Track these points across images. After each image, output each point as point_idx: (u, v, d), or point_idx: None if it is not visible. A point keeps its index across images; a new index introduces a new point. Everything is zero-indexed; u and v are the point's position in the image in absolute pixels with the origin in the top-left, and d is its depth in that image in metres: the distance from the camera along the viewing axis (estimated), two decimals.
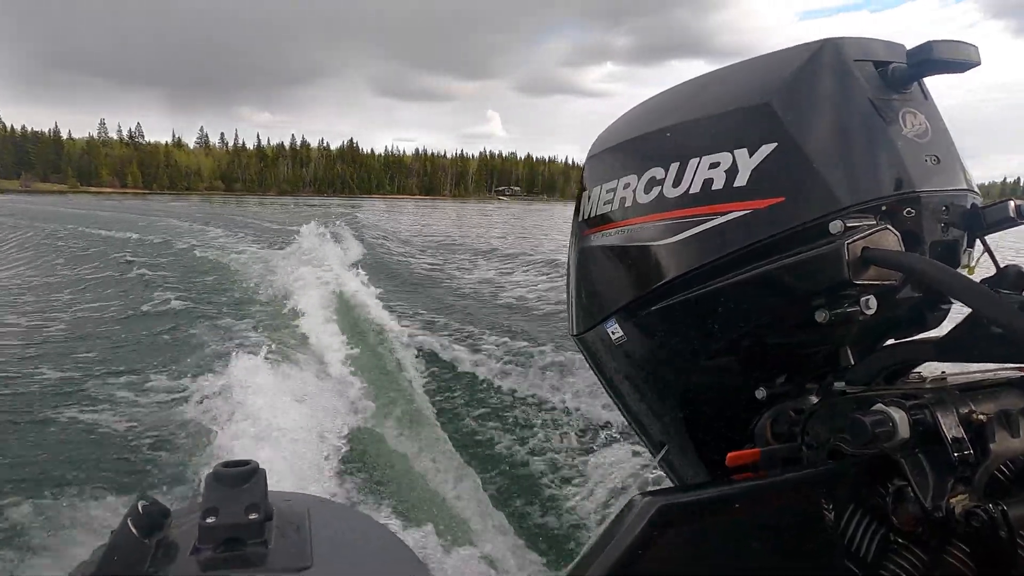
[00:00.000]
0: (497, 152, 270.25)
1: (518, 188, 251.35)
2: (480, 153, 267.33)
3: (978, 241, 1.02)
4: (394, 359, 8.38)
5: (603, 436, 5.67)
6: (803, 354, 1.04)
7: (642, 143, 1.11)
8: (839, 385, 0.96)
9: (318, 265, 13.25)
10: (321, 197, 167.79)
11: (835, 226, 0.89)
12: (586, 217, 1.20)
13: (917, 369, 1.01)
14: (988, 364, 0.96)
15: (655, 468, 1.26)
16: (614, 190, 1.13)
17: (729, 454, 0.94)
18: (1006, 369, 0.95)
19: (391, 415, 6.74)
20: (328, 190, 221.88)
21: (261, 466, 0.94)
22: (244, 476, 0.90)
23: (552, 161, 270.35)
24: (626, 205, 1.10)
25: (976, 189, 1.03)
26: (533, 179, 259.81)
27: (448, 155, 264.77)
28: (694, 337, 1.05)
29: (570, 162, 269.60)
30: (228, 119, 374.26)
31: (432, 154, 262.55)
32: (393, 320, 9.70)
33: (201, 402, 6.05)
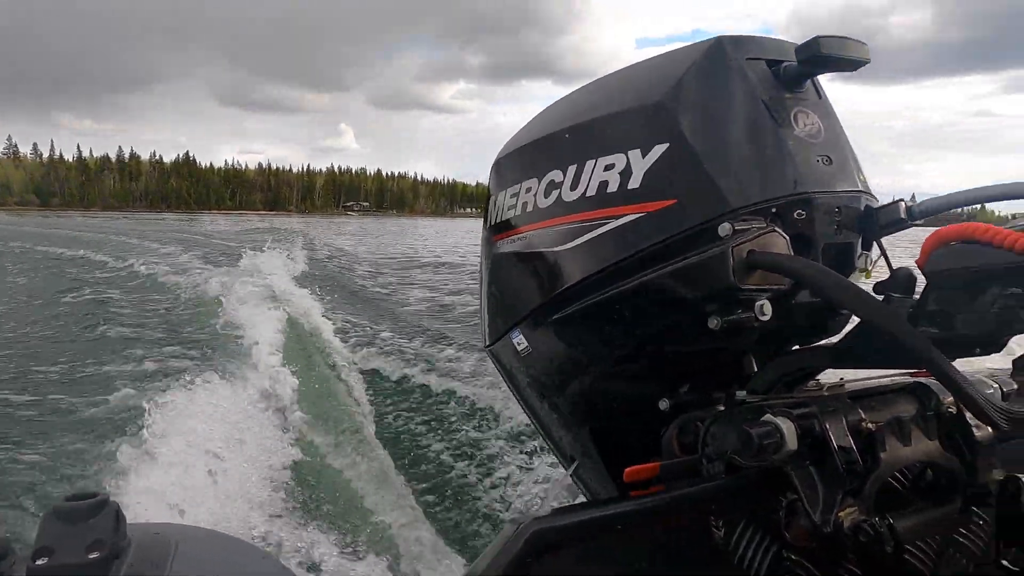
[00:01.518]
0: (347, 167, 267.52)
1: (367, 203, 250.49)
2: (328, 168, 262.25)
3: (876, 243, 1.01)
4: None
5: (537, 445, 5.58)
6: (705, 362, 1.01)
7: (543, 146, 1.09)
8: (740, 394, 0.93)
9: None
10: (154, 213, 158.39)
11: (724, 229, 0.87)
12: (492, 224, 1.17)
13: (820, 376, 1.00)
14: (887, 370, 0.95)
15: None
16: (517, 195, 1.10)
17: (627, 469, 0.90)
18: (902, 375, 0.95)
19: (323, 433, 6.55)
20: (162, 205, 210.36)
21: (112, 499, 0.82)
22: (88, 511, 0.78)
23: (402, 177, 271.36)
24: (528, 210, 1.07)
25: (871, 191, 1.01)
26: (382, 194, 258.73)
27: (295, 169, 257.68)
28: (594, 346, 1.04)
29: (419, 178, 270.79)
30: (43, 127, 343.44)
31: (277, 168, 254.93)
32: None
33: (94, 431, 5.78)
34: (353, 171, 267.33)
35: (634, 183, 0.93)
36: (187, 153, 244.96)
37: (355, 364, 8.58)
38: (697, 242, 0.88)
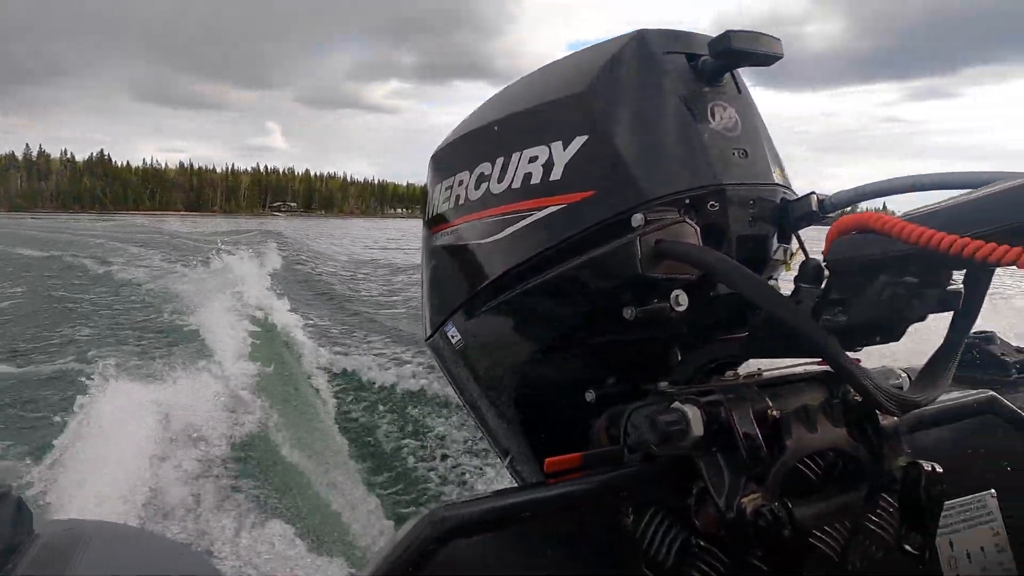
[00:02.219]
0: (275, 167, 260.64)
1: (295, 204, 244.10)
2: (254, 168, 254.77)
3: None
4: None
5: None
6: (630, 354, 1.01)
7: (474, 139, 1.09)
8: (663, 385, 0.92)
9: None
10: (67, 213, 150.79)
11: (636, 220, 0.87)
12: (429, 217, 1.18)
13: (746, 366, 1.01)
14: (807, 359, 0.96)
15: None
16: (451, 188, 1.11)
17: (547, 460, 0.88)
18: (816, 364, 0.95)
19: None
20: (75, 205, 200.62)
21: (15, 491, 0.86)
22: None
23: (332, 177, 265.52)
24: (460, 203, 1.08)
25: (788, 184, 1.02)
26: (311, 195, 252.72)
27: (219, 169, 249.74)
28: (520, 337, 1.05)
29: (349, 178, 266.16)
30: None
31: (200, 168, 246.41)
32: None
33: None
34: (281, 171, 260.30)
35: (556, 175, 0.95)
36: (102, 151, 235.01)
37: (318, 360, 8.54)
38: (613, 233, 0.89)
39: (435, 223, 1.15)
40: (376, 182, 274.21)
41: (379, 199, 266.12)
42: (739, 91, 1.00)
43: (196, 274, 15.56)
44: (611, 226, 0.90)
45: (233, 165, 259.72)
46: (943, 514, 0.95)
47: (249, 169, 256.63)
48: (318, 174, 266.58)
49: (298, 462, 5.60)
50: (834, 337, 0.81)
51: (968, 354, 1.48)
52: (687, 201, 0.91)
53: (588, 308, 0.96)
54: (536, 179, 0.97)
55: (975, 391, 1.16)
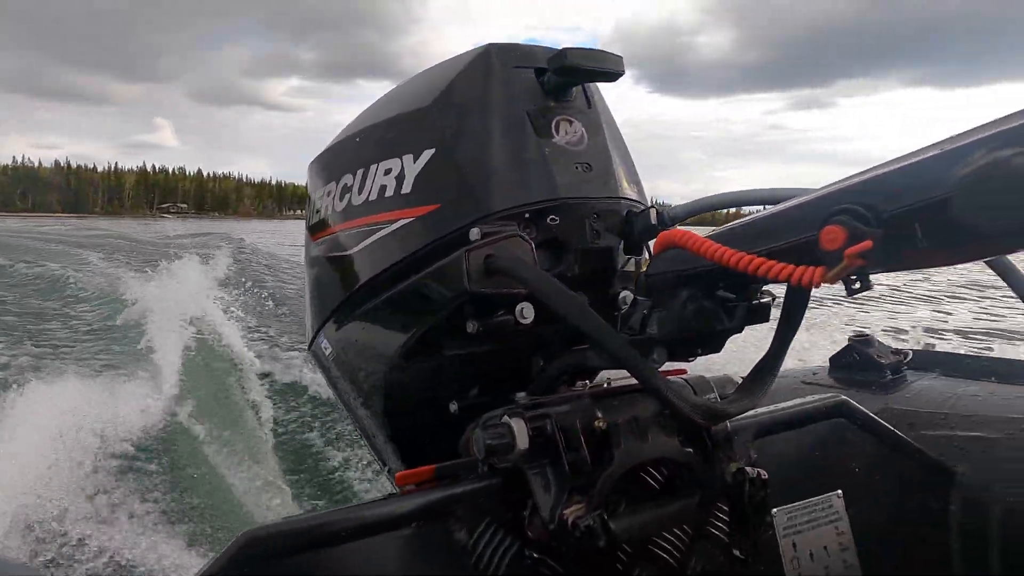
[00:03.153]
0: (163, 166, 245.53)
1: (185, 205, 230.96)
2: (140, 167, 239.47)
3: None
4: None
5: None
6: (489, 365, 1.00)
7: (340, 149, 1.10)
8: (520, 396, 0.91)
9: None
10: None
11: (474, 233, 0.88)
12: (308, 225, 1.18)
13: (615, 374, 1.00)
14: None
15: None
16: (322, 198, 1.11)
17: (398, 473, 0.89)
18: (667, 372, 0.95)
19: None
20: None
21: None
22: None
23: (226, 177, 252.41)
24: (328, 213, 1.08)
25: (635, 197, 1.02)
26: (203, 196, 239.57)
27: (101, 167, 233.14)
28: (380, 350, 1.04)
29: (245, 178, 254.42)
30: None
31: (79, 166, 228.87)
32: None
33: None
34: (171, 171, 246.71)
35: (407, 188, 0.96)
36: None
37: (246, 364, 8.10)
38: (453, 247, 0.89)
39: (312, 231, 1.15)
40: (274, 183, 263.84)
41: (277, 200, 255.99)
42: (589, 106, 1.01)
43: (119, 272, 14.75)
44: (454, 240, 0.91)
45: (116, 164, 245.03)
46: (788, 515, 1.03)
47: (135, 168, 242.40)
48: (211, 174, 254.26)
49: (219, 467, 5.28)
50: (635, 351, 0.82)
51: (849, 356, 1.53)
52: (526, 215, 0.92)
53: (434, 321, 0.94)
54: (390, 192, 0.97)
55: (827, 395, 1.20)
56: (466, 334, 0.91)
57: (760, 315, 0.88)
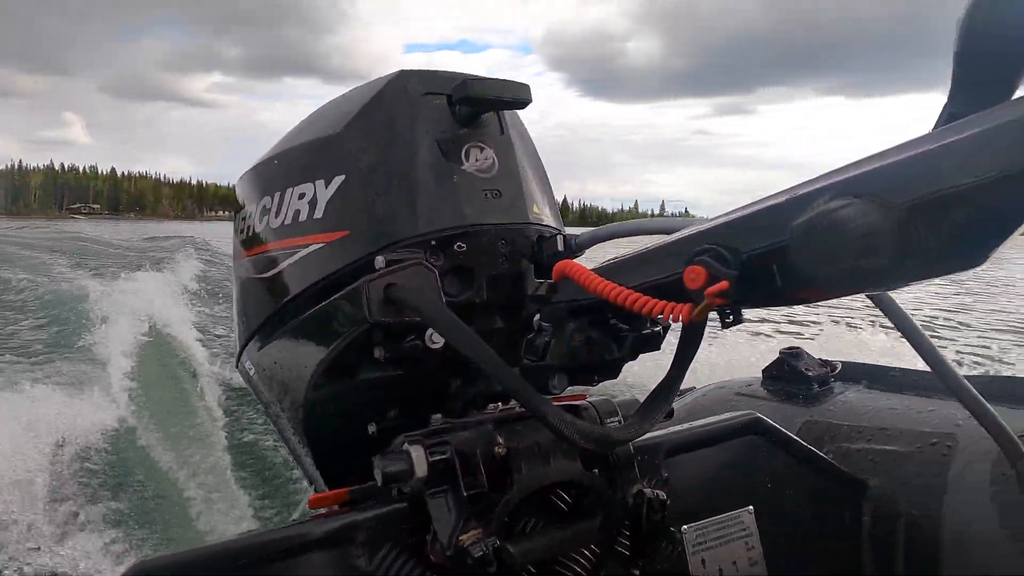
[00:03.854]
0: (72, 165, 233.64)
1: (98, 206, 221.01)
2: (47, 165, 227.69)
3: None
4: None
5: None
6: (406, 387, 0.99)
7: (263, 169, 1.09)
8: (435, 418, 0.93)
9: None
10: None
11: (379, 262, 0.89)
12: (237, 243, 1.18)
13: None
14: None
15: None
16: (245, 219, 1.11)
17: (311, 497, 0.91)
18: (569, 397, 0.97)
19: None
20: None
21: None
22: None
23: (143, 176, 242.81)
24: (251, 233, 1.09)
25: (548, 222, 1.02)
26: (118, 196, 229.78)
27: (1, 165, 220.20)
28: (296, 373, 1.04)
29: (163, 178, 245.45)
30: None
31: None
32: None
33: None
34: (82, 169, 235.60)
35: (318, 213, 0.96)
36: None
37: (203, 370, 7.85)
38: (361, 274, 0.89)
39: (239, 250, 1.16)
40: (195, 182, 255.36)
41: (198, 201, 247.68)
42: (502, 132, 1.01)
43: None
44: (360, 267, 0.91)
45: (21, 161, 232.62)
46: (698, 532, 1.04)
47: (42, 166, 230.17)
48: (127, 173, 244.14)
49: (173, 476, 5.09)
50: (522, 380, 0.82)
51: (779, 368, 1.56)
52: (433, 243, 0.92)
53: (344, 347, 0.94)
54: (304, 216, 0.97)
55: (740, 412, 1.22)
56: (371, 361, 0.92)
57: (652, 344, 0.90)
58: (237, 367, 1.24)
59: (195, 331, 9.73)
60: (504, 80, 0.97)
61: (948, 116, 0.54)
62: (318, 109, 1.11)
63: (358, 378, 0.98)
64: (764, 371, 1.60)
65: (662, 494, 0.94)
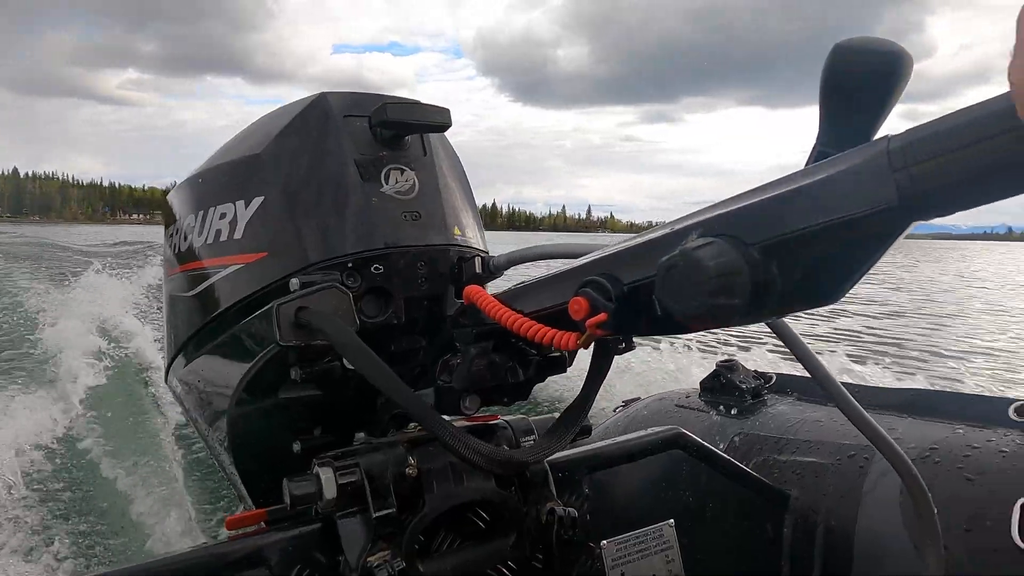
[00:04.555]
0: None
1: None
2: None
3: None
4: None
5: None
6: (330, 405, 0.99)
7: (188, 188, 1.09)
8: (359, 436, 0.94)
9: None
10: None
11: (293, 284, 0.89)
12: (166, 258, 1.18)
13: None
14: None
15: None
16: (172, 235, 1.12)
17: (228, 518, 0.91)
18: (484, 416, 0.98)
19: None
20: None
21: None
22: None
23: (49, 177, 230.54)
24: (177, 251, 1.09)
25: (469, 242, 1.02)
26: (20, 198, 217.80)
27: None
28: (220, 390, 1.04)
29: (72, 179, 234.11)
30: None
31: None
32: None
33: None
34: None
35: (238, 234, 0.96)
36: None
37: (158, 380, 7.52)
38: (277, 295, 0.89)
39: (167, 266, 1.15)
40: (107, 184, 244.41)
41: (110, 203, 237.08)
42: (425, 153, 1.01)
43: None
44: (277, 288, 0.91)
45: None
46: (618, 547, 1.04)
47: None
48: (31, 173, 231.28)
49: (124, 489, 4.75)
50: (423, 403, 0.83)
51: (715, 381, 1.60)
52: (350, 265, 0.92)
53: (261, 366, 0.95)
54: (224, 236, 0.97)
55: (664, 427, 1.24)
56: (290, 381, 0.93)
57: (558, 366, 0.92)
58: (166, 382, 1.23)
59: (148, 337, 9.23)
60: (423, 104, 0.98)
61: (818, 154, 0.56)
62: (246, 127, 1.11)
63: (279, 397, 0.99)
64: (701, 383, 1.64)
65: (573, 511, 0.96)
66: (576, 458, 1.08)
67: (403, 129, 0.98)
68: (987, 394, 1.40)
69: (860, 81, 0.55)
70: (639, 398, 1.84)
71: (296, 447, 1.01)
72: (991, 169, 0.41)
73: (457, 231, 1.03)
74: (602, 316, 0.64)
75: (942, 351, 8.99)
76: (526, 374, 0.90)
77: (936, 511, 0.91)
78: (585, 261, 0.74)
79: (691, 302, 0.53)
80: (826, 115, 0.57)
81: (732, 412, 1.50)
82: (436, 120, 0.98)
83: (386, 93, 1.06)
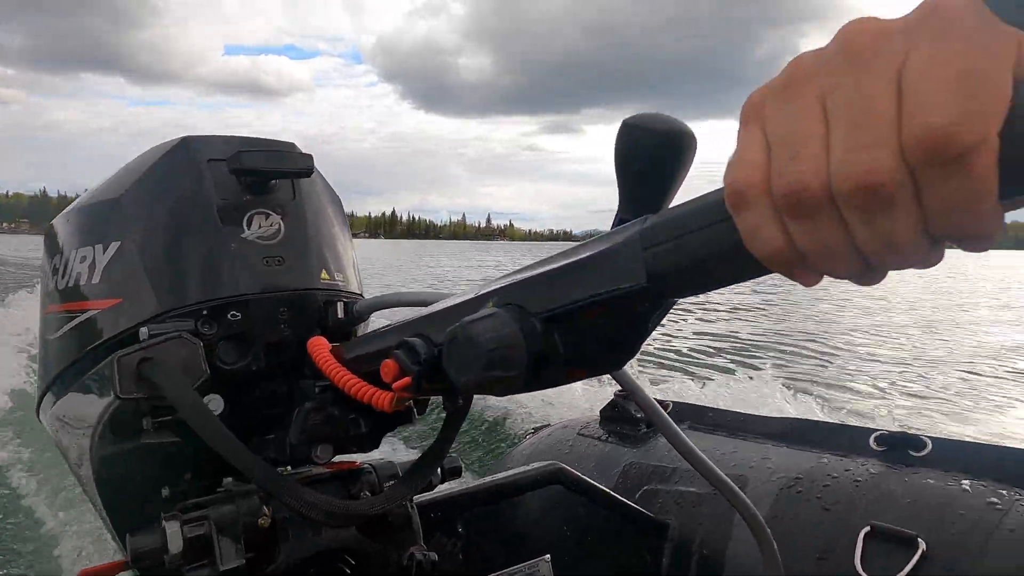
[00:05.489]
0: None
1: None
2: None
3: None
4: None
5: None
6: (194, 452, 0.94)
7: (59, 227, 1.08)
8: (227, 481, 0.92)
9: None
10: None
11: (143, 333, 0.88)
12: (40, 296, 1.15)
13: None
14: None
15: None
16: (43, 274, 1.12)
17: (81, 570, 0.87)
18: (344, 464, 0.98)
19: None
20: None
21: None
22: None
23: None
24: (46, 291, 1.09)
25: (339, 286, 1.02)
26: None
27: None
28: (82, 432, 1.01)
29: None
30: None
31: None
32: None
33: None
34: None
35: (96, 278, 0.96)
36: None
37: None
38: (127, 344, 0.88)
39: (40, 303, 1.13)
40: None
41: None
42: (294, 197, 1.00)
43: None
44: (129, 337, 0.91)
45: None
46: None
47: None
48: None
49: (41, 514, 4.78)
50: (251, 456, 0.82)
51: (612, 409, 1.64)
52: (205, 312, 0.91)
53: (113, 414, 0.94)
54: (83, 280, 0.97)
55: (544, 463, 1.26)
56: (145, 428, 0.91)
57: (404, 417, 0.93)
58: (39, 418, 1.21)
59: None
60: (283, 151, 0.97)
61: (618, 221, 0.56)
62: (119, 169, 1.09)
63: (139, 442, 0.97)
64: (601, 412, 1.67)
65: (433, 555, 0.95)
66: (449, 498, 1.09)
67: (261, 176, 0.97)
68: (853, 423, 1.49)
69: (648, 156, 0.57)
70: (548, 424, 1.89)
71: (165, 492, 0.98)
72: (711, 256, 0.43)
73: (325, 275, 1.02)
74: (406, 380, 0.64)
75: (828, 379, 8.94)
76: (366, 427, 0.91)
77: (775, 543, 0.95)
78: (413, 317, 0.74)
79: (468, 374, 0.53)
80: (621, 186, 0.58)
81: (626, 441, 1.54)
82: (295, 167, 0.97)
83: (255, 136, 1.05)
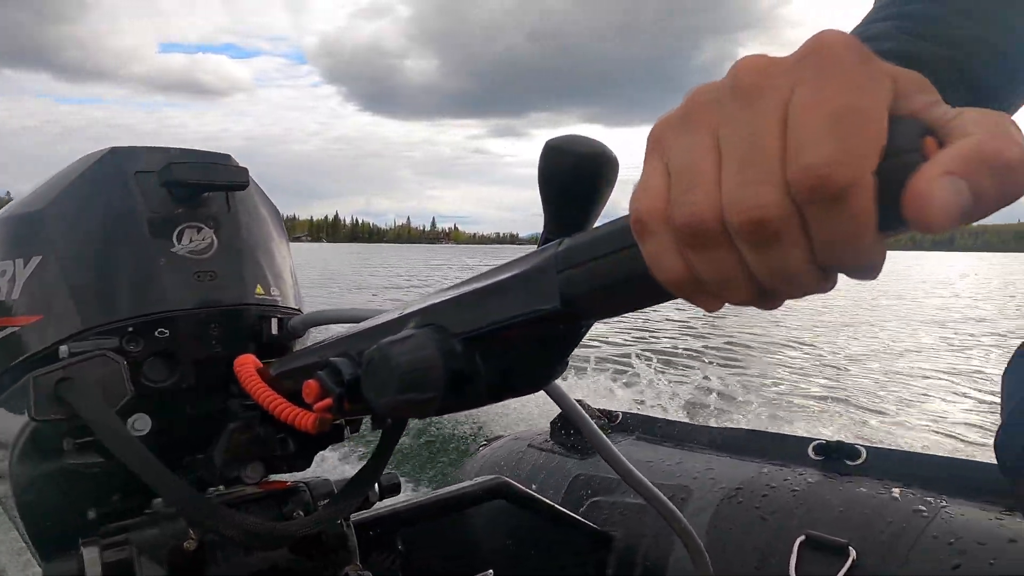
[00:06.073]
0: None
1: None
2: None
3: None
4: None
5: None
6: (121, 472, 0.87)
7: None
8: (156, 502, 0.90)
9: None
10: None
11: (63, 351, 0.85)
12: None
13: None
14: None
15: None
16: None
17: None
18: (276, 484, 0.95)
19: None
20: None
21: None
22: None
23: None
24: None
25: (274, 301, 0.99)
26: None
27: None
28: (3, 451, 0.96)
29: None
30: None
31: None
32: None
33: None
34: None
35: (15, 294, 0.92)
36: None
37: None
38: (47, 362, 0.85)
39: None
40: None
41: None
42: (229, 209, 0.97)
43: None
44: (47, 356, 0.87)
45: None
46: None
47: None
48: None
49: None
50: (178, 481, 0.80)
51: (562, 423, 1.64)
52: (130, 329, 0.89)
53: (31, 435, 0.89)
54: (3, 295, 0.93)
55: (488, 477, 1.25)
56: (65, 449, 0.89)
57: (333, 436, 0.92)
58: None
59: None
60: (217, 163, 0.96)
61: (544, 239, 0.57)
62: (44, 180, 1.06)
63: (61, 463, 0.93)
64: (552, 423, 1.68)
65: (368, 574, 0.95)
66: (388, 515, 1.08)
67: (193, 189, 0.95)
68: (795, 433, 1.52)
69: (570, 177, 0.57)
70: (502, 436, 1.89)
71: (91, 514, 0.95)
72: (620, 281, 0.43)
73: (260, 289, 0.99)
74: (327, 402, 0.63)
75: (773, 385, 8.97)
76: (296, 445, 0.90)
77: (707, 555, 0.96)
78: (342, 335, 0.73)
79: (385, 397, 0.53)
80: (546, 205, 0.59)
81: (574, 453, 1.55)
82: (230, 180, 0.95)
83: (190, 148, 1.04)
